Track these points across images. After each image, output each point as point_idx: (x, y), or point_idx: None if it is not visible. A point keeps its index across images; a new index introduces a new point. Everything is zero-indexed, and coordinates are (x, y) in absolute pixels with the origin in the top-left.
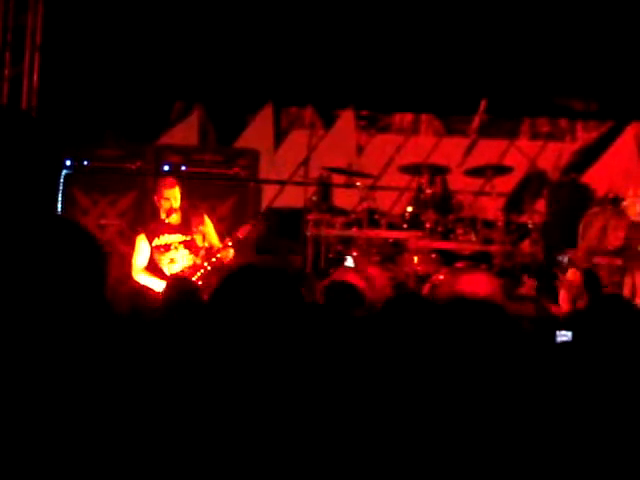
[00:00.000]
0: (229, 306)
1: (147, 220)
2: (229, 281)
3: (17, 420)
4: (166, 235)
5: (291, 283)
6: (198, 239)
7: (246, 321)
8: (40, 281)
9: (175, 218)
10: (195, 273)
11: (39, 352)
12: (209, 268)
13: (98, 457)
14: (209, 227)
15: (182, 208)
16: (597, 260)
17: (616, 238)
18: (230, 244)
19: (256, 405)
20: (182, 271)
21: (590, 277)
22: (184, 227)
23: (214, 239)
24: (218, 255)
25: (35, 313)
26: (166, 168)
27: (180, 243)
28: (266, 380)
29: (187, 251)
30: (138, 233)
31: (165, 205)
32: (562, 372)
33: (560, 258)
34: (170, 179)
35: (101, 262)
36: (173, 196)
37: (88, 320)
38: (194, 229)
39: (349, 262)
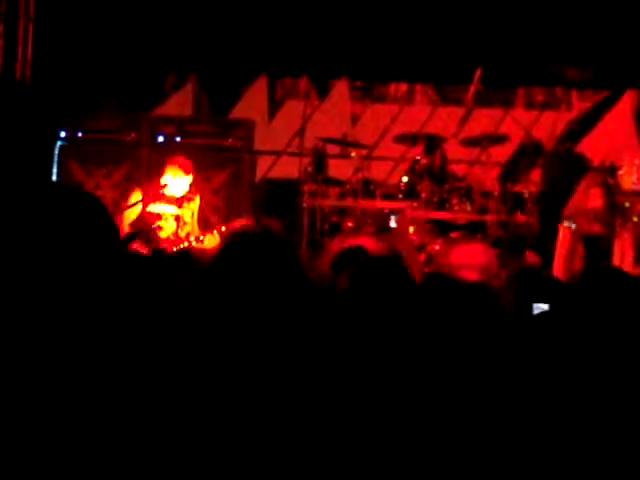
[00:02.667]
0: (229, 272)
1: (147, 180)
2: (230, 247)
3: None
4: (162, 204)
5: (291, 250)
6: (187, 215)
7: (246, 289)
8: (51, 246)
9: (176, 194)
10: (175, 245)
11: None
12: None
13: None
14: (196, 207)
15: None
16: (578, 226)
17: (594, 205)
18: (220, 231)
19: (254, 373)
20: (166, 238)
21: (591, 246)
22: (179, 200)
23: (195, 221)
24: (202, 238)
25: (49, 279)
26: (161, 139)
27: (172, 215)
28: (264, 350)
29: (175, 224)
30: (135, 190)
31: (173, 184)
32: (545, 345)
33: (566, 223)
34: (188, 163)
35: (108, 220)
36: (184, 184)
37: (106, 278)
38: (185, 204)
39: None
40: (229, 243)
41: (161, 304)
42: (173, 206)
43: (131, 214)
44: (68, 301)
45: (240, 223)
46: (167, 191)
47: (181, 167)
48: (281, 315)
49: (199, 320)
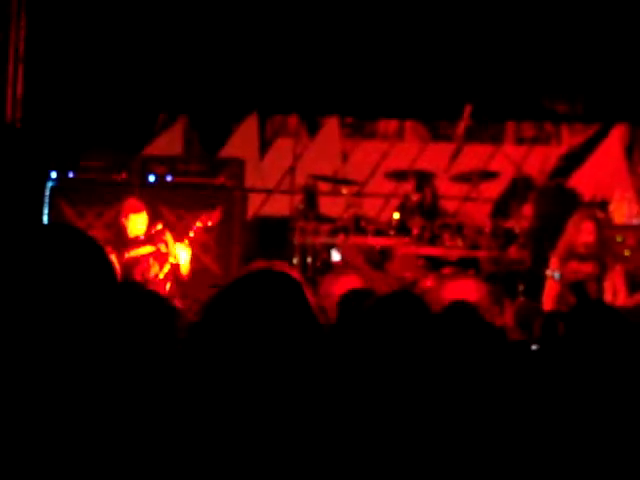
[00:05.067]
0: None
1: (113, 236)
2: (238, 284)
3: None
4: (135, 249)
5: (296, 287)
6: (162, 247)
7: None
8: (45, 285)
9: (140, 232)
10: (166, 281)
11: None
12: (162, 273)
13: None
14: (169, 237)
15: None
16: (570, 267)
17: (586, 240)
18: (186, 243)
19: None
20: (155, 276)
21: (579, 292)
22: (149, 239)
23: (172, 247)
24: (172, 256)
25: (43, 316)
26: (152, 179)
27: (149, 255)
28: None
29: (156, 262)
30: (107, 249)
31: (131, 225)
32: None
33: (550, 274)
34: (137, 203)
35: (104, 259)
36: (141, 221)
37: (100, 317)
38: (157, 239)
39: (335, 256)
40: (235, 280)
41: (158, 343)
42: (146, 246)
43: None
44: (61, 337)
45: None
46: (130, 233)
47: (131, 209)
48: (288, 353)
49: (196, 360)
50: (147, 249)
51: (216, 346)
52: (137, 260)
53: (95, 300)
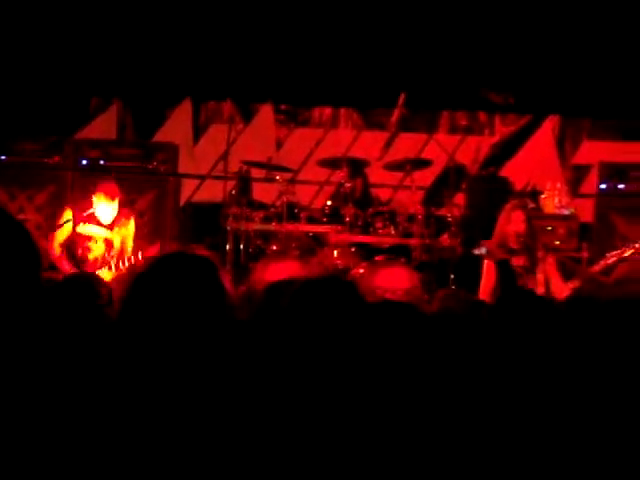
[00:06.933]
0: (155, 294)
1: (77, 200)
2: (154, 268)
3: None
4: (93, 226)
5: (210, 270)
6: (116, 240)
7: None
8: None
9: (106, 219)
10: (102, 267)
11: None
12: (115, 269)
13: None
14: (131, 231)
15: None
16: (491, 252)
17: (517, 229)
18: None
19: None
20: (94, 259)
21: (504, 269)
22: (110, 224)
23: (129, 244)
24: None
25: None
26: (84, 162)
27: (102, 237)
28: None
29: (104, 245)
30: (65, 209)
31: (98, 207)
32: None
33: (477, 251)
34: (114, 188)
35: (30, 241)
36: (112, 206)
37: (26, 302)
38: (116, 228)
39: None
40: (146, 267)
41: (77, 331)
42: (103, 228)
43: (62, 234)
44: None
45: (152, 251)
46: (96, 214)
47: (106, 194)
48: (199, 341)
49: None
50: (102, 232)
51: (131, 333)
52: (87, 238)
53: (16, 283)
